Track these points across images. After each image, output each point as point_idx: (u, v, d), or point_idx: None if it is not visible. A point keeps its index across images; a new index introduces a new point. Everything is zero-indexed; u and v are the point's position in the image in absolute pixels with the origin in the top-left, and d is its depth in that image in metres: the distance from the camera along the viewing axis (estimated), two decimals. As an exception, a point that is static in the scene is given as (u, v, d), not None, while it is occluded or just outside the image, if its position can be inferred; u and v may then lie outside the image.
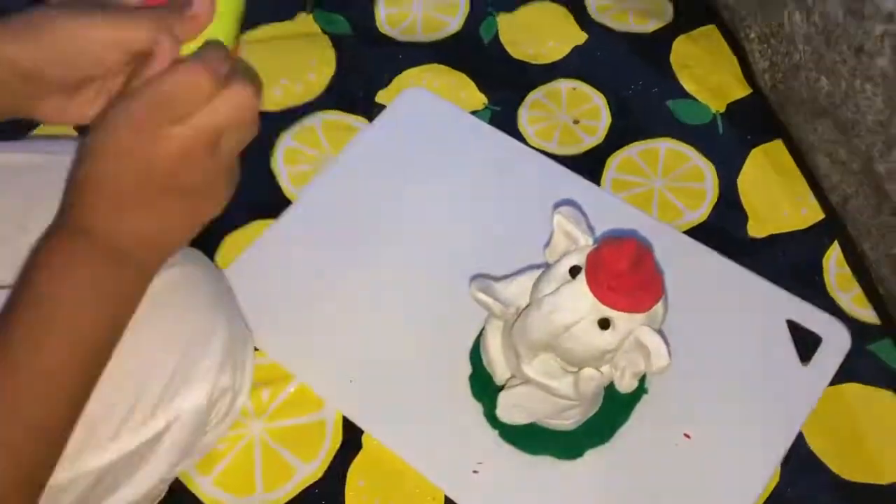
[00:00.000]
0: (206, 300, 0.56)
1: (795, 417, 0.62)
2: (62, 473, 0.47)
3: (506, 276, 0.59)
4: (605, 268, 0.51)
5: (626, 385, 0.54)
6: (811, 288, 0.67)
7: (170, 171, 0.42)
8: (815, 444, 0.62)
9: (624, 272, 0.50)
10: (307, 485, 0.62)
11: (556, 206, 0.57)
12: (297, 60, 0.82)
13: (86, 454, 0.49)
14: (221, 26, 0.46)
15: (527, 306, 0.55)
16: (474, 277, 0.58)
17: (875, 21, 0.58)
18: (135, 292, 0.46)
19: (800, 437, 0.62)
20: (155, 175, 0.42)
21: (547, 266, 0.55)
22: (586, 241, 0.55)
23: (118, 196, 0.42)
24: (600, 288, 0.51)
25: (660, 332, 0.52)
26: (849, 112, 0.64)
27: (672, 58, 0.80)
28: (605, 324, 0.52)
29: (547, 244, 0.57)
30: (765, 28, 0.73)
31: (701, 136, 0.75)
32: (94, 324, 0.44)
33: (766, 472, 0.60)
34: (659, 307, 0.53)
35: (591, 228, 0.56)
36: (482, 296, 0.57)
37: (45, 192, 0.49)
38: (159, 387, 0.52)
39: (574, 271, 0.53)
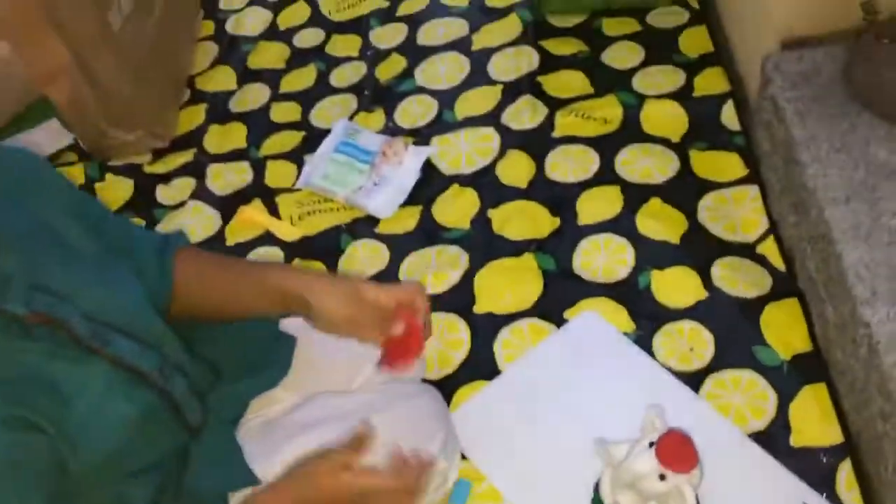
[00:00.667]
0: (437, 417, 1.02)
1: (794, 568, 0.97)
2: None
3: (617, 441, 1.01)
4: (666, 446, 0.92)
5: (673, 516, 0.94)
6: (825, 486, 1.01)
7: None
8: (805, 586, 0.95)
9: (675, 449, 0.92)
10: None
11: (650, 405, 1.00)
12: (519, 283, 1.31)
13: None
14: None
15: (621, 461, 0.97)
16: (597, 440, 1.01)
17: (860, 325, 0.96)
18: None
19: (795, 580, 0.96)
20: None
21: (638, 439, 0.97)
22: (662, 428, 0.96)
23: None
24: (661, 456, 0.92)
25: (696, 491, 0.92)
26: (849, 376, 1.01)
27: (762, 317, 1.19)
28: (662, 477, 0.93)
29: (642, 426, 0.99)
30: (818, 311, 1.11)
31: (771, 373, 1.13)
32: None
33: None
34: (695, 472, 0.92)
35: (666, 421, 0.97)
36: (600, 450, 1.00)
37: None
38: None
39: (651, 444, 0.95)
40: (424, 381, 1.17)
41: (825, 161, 1.11)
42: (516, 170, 1.47)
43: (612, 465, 1.00)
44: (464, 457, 1.10)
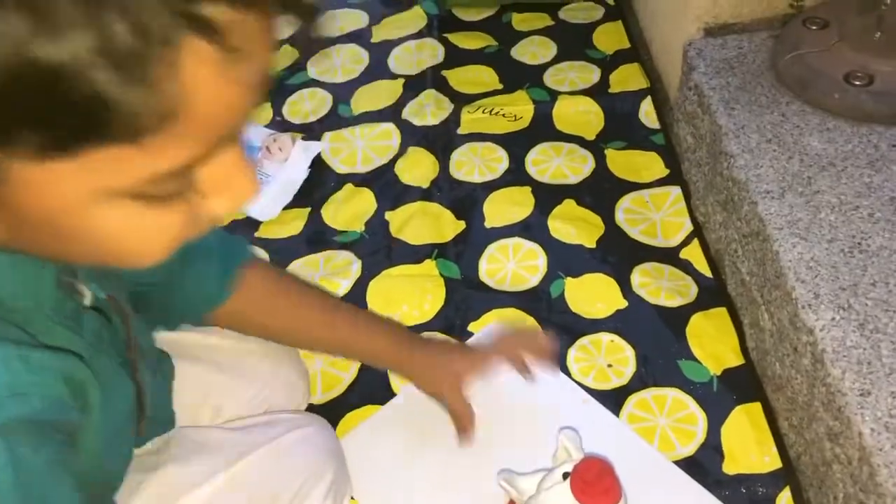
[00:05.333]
0: (323, 453, 0.85)
1: None
2: None
3: (526, 473, 0.85)
4: (582, 476, 0.77)
5: (593, 563, 0.78)
6: (763, 519, 0.88)
7: None
8: None
9: (593, 480, 0.76)
10: None
11: (563, 429, 0.84)
12: (418, 293, 1.14)
13: None
14: None
15: (531, 497, 0.81)
16: (502, 471, 0.85)
17: (802, 332, 0.84)
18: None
19: None
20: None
21: (550, 469, 0.82)
22: (578, 456, 0.81)
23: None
24: (577, 489, 0.76)
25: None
26: (790, 391, 0.88)
27: (688, 328, 1.06)
28: (580, 515, 0.77)
29: (554, 454, 0.83)
30: (752, 319, 0.99)
31: (699, 391, 0.99)
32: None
33: None
34: (617, 509, 0.77)
35: (581, 447, 0.82)
36: (505, 484, 0.84)
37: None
38: (286, 500, 0.79)
39: (565, 475, 0.79)
40: (309, 407, 1.00)
41: (756, 152, 0.99)
42: (418, 168, 1.32)
43: (520, 502, 0.83)
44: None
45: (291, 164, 1.33)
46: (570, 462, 0.80)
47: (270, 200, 1.29)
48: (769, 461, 0.93)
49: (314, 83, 1.50)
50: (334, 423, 1.00)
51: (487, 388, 1.01)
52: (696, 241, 1.15)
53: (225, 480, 0.76)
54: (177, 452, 0.77)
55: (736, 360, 1.02)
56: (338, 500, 0.85)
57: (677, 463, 0.94)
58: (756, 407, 0.97)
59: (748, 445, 0.94)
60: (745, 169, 0.98)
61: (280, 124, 1.43)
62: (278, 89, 1.50)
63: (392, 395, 1.04)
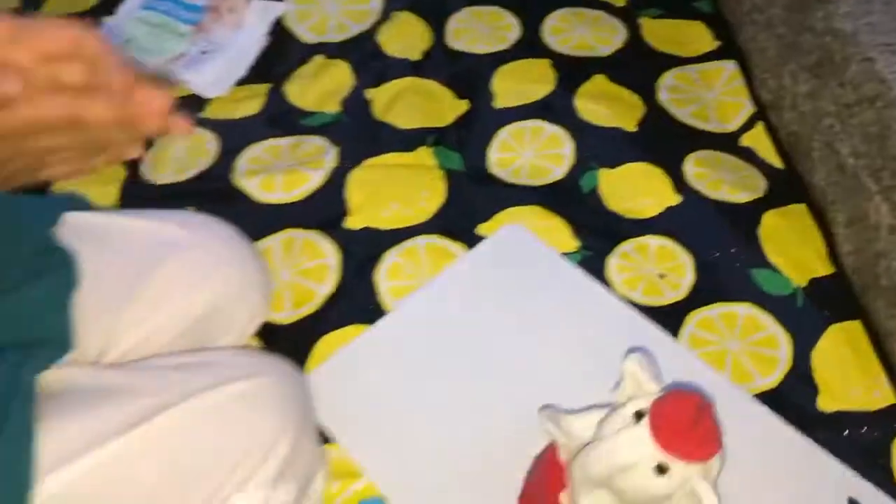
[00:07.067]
0: (277, 416, 0.56)
1: None
2: None
3: (574, 411, 0.62)
4: (669, 417, 0.54)
5: (676, 533, 0.56)
6: (876, 470, 0.67)
7: None
8: None
9: (686, 424, 0.54)
10: (360, 579, 0.65)
11: (631, 351, 0.62)
12: (411, 188, 0.90)
13: None
14: None
15: (590, 442, 0.59)
16: (545, 407, 0.63)
17: (954, 223, 0.62)
18: None
19: None
20: None
21: (613, 407, 0.59)
22: (653, 388, 0.58)
23: None
24: (663, 435, 0.54)
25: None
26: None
27: (760, 229, 0.84)
28: (661, 469, 0.54)
29: (616, 386, 0.61)
30: (852, 214, 0.77)
31: (780, 307, 0.78)
32: None
33: None
34: (715, 460, 0.55)
35: (659, 376, 0.60)
36: (551, 426, 0.61)
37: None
38: (207, 492, 0.53)
39: (638, 416, 0.57)
40: (273, 328, 0.76)
41: (864, -3, 0.76)
42: (406, 38, 1.06)
43: (567, 449, 0.61)
44: (328, 440, 0.70)
45: (245, 29, 1.06)
46: (644, 398, 0.58)
47: (219, 73, 1.03)
48: (879, 396, 0.72)
49: (274, -62, 1.22)
50: (306, 347, 0.77)
51: (507, 307, 0.79)
52: (760, 126, 0.93)
53: (110, 454, 0.50)
54: (55, 402, 0.51)
55: (824, 268, 0.81)
56: (296, 483, 0.58)
57: (758, 397, 0.73)
58: (855, 326, 0.76)
59: (849, 375, 0.73)
60: (853, 18, 0.75)
61: (232, -16, 1.15)
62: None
63: (383, 312, 0.80)
